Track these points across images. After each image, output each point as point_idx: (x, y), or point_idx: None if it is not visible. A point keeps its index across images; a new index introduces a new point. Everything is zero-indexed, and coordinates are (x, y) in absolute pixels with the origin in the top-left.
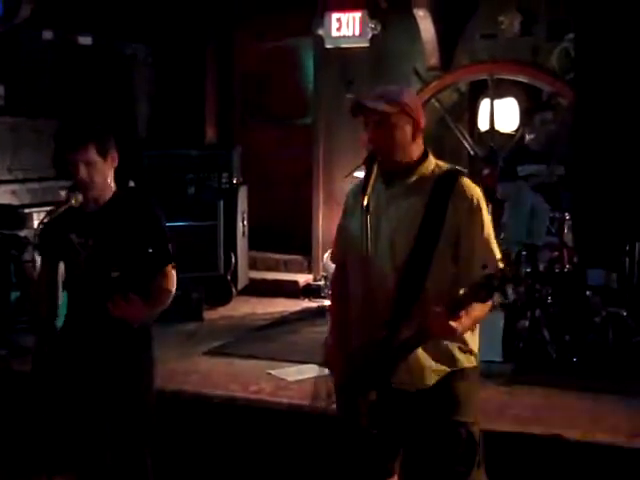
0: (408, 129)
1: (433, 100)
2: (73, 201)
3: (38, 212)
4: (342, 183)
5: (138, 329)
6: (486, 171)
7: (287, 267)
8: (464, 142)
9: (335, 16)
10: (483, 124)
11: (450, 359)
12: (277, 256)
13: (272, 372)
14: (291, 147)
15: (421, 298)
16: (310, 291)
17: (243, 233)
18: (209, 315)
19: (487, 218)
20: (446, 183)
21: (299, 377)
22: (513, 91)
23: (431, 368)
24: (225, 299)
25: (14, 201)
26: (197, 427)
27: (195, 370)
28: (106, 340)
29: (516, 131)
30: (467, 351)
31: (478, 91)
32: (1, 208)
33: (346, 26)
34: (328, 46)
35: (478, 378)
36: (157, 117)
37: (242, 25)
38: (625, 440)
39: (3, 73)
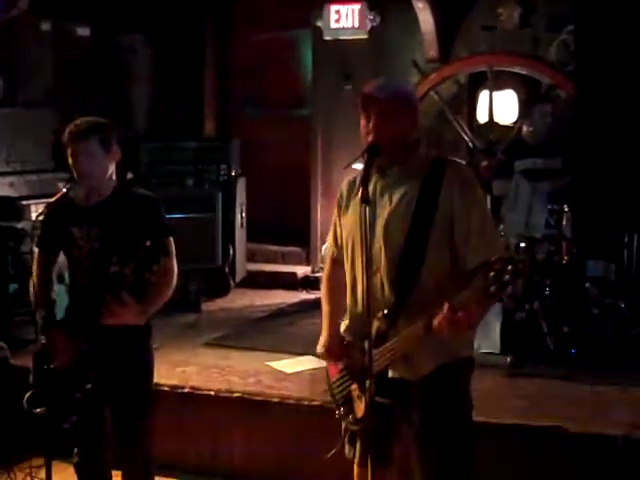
0: (409, 120)
1: (432, 92)
2: (71, 193)
3: (36, 204)
4: (340, 175)
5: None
6: (484, 163)
7: (285, 259)
8: (463, 134)
9: (334, 8)
10: (482, 116)
11: (446, 348)
12: (275, 248)
13: (270, 364)
14: (289, 139)
15: (417, 288)
16: (308, 283)
17: (241, 225)
18: (207, 307)
19: (481, 200)
20: (437, 169)
21: (297, 369)
22: (512, 83)
23: (427, 358)
24: (223, 291)
25: (12, 193)
26: (195, 419)
27: (194, 362)
28: (106, 333)
29: (515, 123)
30: (463, 340)
31: (477, 83)
32: None
33: (345, 18)
34: (327, 38)
35: (473, 367)
36: (155, 109)
37: (241, 17)
38: (624, 431)
39: (1, 64)
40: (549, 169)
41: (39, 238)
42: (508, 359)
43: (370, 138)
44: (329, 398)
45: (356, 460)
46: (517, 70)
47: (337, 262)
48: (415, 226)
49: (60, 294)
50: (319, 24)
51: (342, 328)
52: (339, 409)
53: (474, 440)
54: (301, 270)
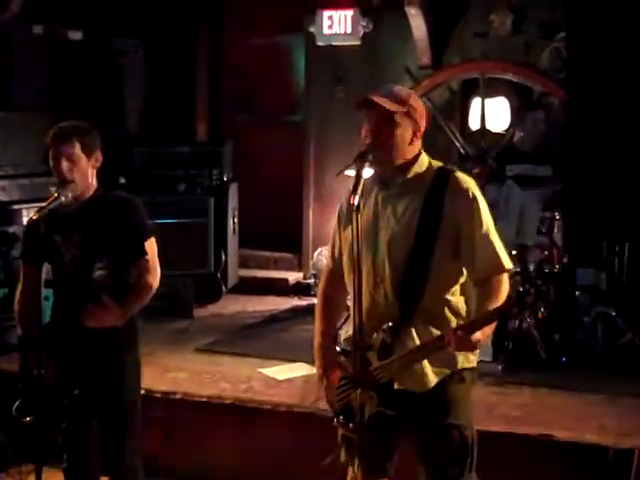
0: (409, 131)
1: (424, 99)
2: (63, 198)
3: (28, 208)
4: (333, 181)
5: (124, 327)
6: (476, 170)
7: (277, 265)
8: (455, 141)
9: (327, 14)
10: (474, 123)
11: (450, 360)
12: (267, 254)
13: (262, 370)
14: (282, 145)
15: (422, 299)
16: (300, 289)
17: (233, 230)
18: (199, 313)
19: (485, 211)
20: (441, 180)
21: (289, 375)
22: (504, 90)
23: (432, 370)
24: (215, 297)
25: (3, 197)
26: (186, 425)
27: (185, 368)
28: (91, 338)
29: (507, 130)
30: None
31: (469, 90)
32: None
33: (338, 24)
34: (319, 44)
35: (475, 378)
36: (148, 113)
37: (233, 21)
38: (613, 440)
39: None
40: (540, 176)
41: (23, 249)
42: (499, 367)
43: (367, 142)
44: (322, 406)
45: (355, 469)
46: (509, 77)
47: (334, 276)
48: (419, 239)
49: (49, 297)
50: (312, 30)
51: (342, 337)
52: (337, 418)
53: (477, 450)
54: (293, 276)
